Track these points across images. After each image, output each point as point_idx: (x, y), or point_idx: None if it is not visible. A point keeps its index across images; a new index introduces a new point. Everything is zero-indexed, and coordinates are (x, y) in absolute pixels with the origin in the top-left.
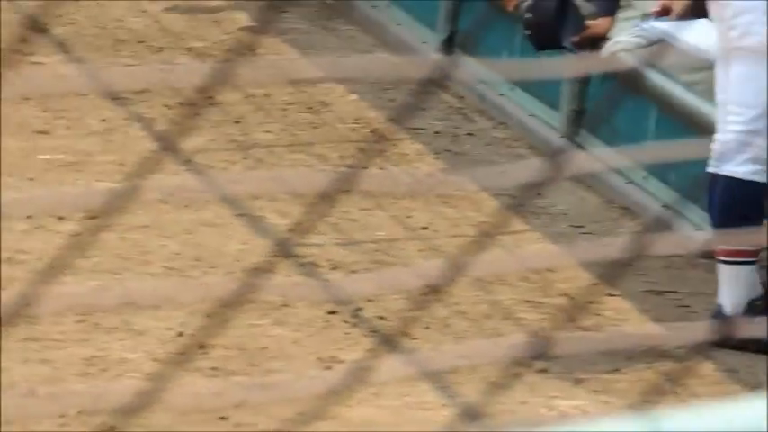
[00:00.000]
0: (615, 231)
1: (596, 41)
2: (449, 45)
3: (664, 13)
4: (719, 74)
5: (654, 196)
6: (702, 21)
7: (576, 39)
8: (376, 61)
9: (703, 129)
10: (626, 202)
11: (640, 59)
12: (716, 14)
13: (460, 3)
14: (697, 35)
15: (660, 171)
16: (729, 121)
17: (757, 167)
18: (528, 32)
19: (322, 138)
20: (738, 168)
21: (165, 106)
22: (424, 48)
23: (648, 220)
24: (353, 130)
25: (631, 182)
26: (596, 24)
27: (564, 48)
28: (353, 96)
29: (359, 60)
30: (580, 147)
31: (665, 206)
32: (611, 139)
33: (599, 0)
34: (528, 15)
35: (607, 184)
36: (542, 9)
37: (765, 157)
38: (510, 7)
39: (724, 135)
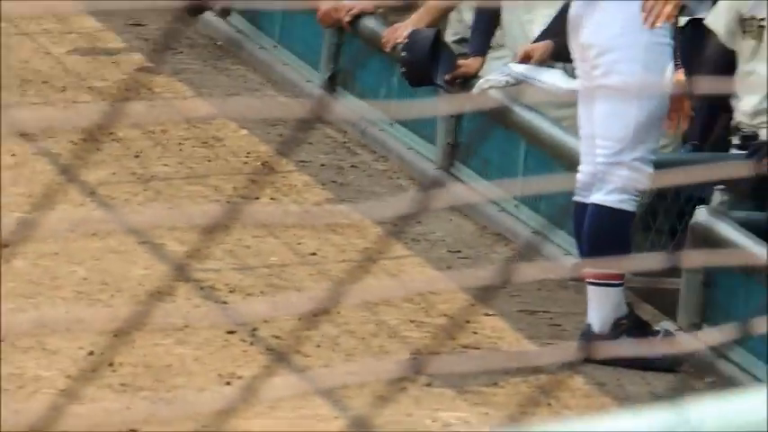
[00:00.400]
0: (489, 256)
1: (467, 79)
2: (331, 83)
3: (525, 58)
4: (582, 110)
5: (525, 223)
6: (557, 66)
7: (448, 77)
8: (264, 99)
9: (569, 160)
10: (499, 229)
11: (509, 97)
12: (579, 55)
13: (341, 44)
14: (551, 77)
15: (531, 200)
16: (598, 154)
17: (624, 196)
18: (404, 70)
19: (216, 170)
20: (607, 197)
21: (70, 142)
22: (308, 86)
23: (520, 246)
24: (245, 162)
25: (504, 210)
26: (467, 64)
27: (437, 85)
28: (244, 131)
29: (248, 98)
30: (455, 178)
31: (536, 232)
32: (484, 171)
33: (470, 41)
34: (403, 54)
35: (481, 212)
36: (417, 49)
37: (632, 186)
38: (388, 47)
39: (592, 167)
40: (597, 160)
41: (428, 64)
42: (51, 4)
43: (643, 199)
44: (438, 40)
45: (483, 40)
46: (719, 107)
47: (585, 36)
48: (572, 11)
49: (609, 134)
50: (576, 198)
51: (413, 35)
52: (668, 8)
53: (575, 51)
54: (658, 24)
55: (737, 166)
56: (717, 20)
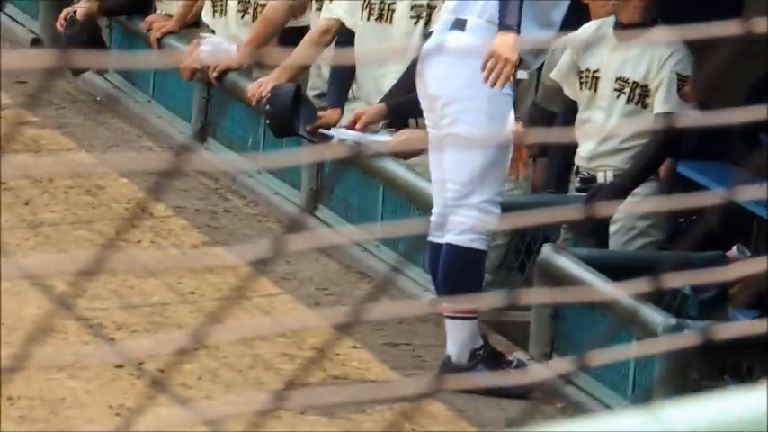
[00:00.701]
0: (354, 293)
1: (327, 129)
2: (202, 134)
3: (353, 122)
4: (432, 157)
5: (385, 262)
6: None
7: (309, 127)
8: (141, 150)
9: (423, 203)
10: (362, 267)
11: (364, 146)
12: (427, 105)
13: (209, 98)
14: (376, 139)
15: (390, 240)
16: (449, 197)
17: (475, 236)
18: (268, 122)
19: (100, 216)
20: (459, 237)
21: None
22: (181, 137)
23: (381, 282)
24: (126, 209)
25: (366, 249)
26: (326, 115)
27: (300, 135)
28: (124, 180)
29: (127, 150)
30: (320, 220)
31: (395, 269)
32: (346, 213)
33: (327, 94)
34: (267, 108)
35: (345, 252)
36: (279, 102)
37: (481, 226)
38: (253, 101)
39: (444, 209)
40: (448, 203)
41: (290, 116)
42: None
43: (497, 240)
44: (299, 93)
45: (340, 93)
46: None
47: (432, 89)
48: (419, 66)
49: (457, 179)
50: (431, 238)
51: (275, 90)
52: (507, 70)
53: (423, 102)
54: (499, 86)
55: (576, 209)
56: (559, 73)
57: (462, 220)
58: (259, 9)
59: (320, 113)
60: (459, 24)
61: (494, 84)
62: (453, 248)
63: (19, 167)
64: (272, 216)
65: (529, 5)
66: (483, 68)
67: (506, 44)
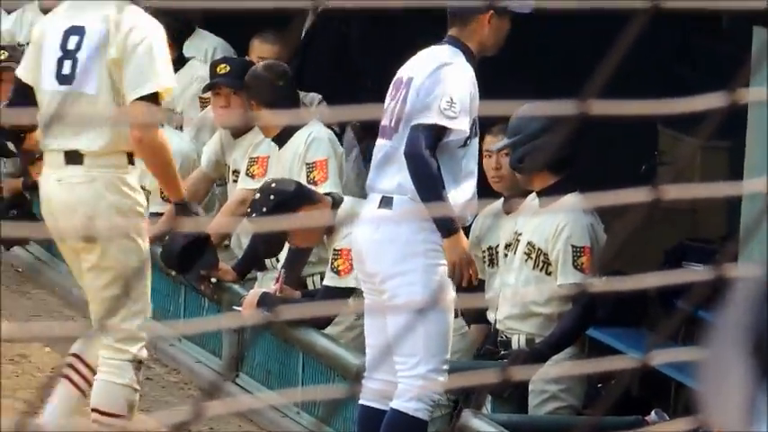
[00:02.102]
0: None
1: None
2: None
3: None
4: (370, 322)
5: (305, 427)
6: None
7: (204, 272)
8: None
9: (342, 369)
10: None
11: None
12: (366, 280)
13: None
14: None
15: (309, 405)
16: (397, 369)
17: (420, 405)
18: (160, 252)
19: (24, 384)
20: (406, 404)
21: None
22: None
23: None
24: (50, 377)
25: (286, 415)
26: (226, 270)
27: (187, 275)
28: (47, 349)
29: (49, 319)
30: (240, 387)
31: None
32: (266, 380)
33: (238, 259)
34: (166, 238)
35: (266, 417)
36: (179, 237)
37: (426, 395)
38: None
39: (385, 375)
40: (397, 374)
41: (186, 253)
42: None
43: (442, 411)
44: (206, 241)
45: (248, 264)
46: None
47: (369, 266)
48: (355, 245)
49: (402, 350)
50: (365, 403)
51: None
52: (471, 266)
53: (362, 277)
54: (464, 284)
55: (493, 373)
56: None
57: (407, 388)
58: None
59: (221, 266)
60: (386, 202)
61: (469, 282)
62: (398, 414)
63: None
64: (193, 383)
65: (444, 165)
66: (450, 276)
67: (456, 249)
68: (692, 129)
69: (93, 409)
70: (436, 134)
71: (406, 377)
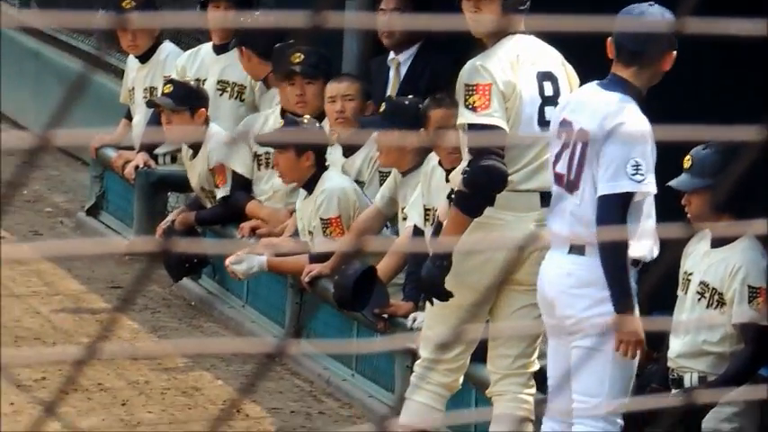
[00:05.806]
0: None
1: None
2: (296, 338)
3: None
4: (553, 363)
5: None
6: None
7: (377, 311)
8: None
9: None
10: None
11: None
12: (554, 324)
13: (302, 303)
14: None
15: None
16: (575, 407)
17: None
18: (333, 292)
19: (196, 417)
20: None
21: (62, 392)
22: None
23: None
24: (222, 410)
25: None
26: (399, 305)
27: (362, 313)
28: (220, 382)
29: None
30: None
31: None
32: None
33: (404, 287)
34: (336, 277)
35: None
36: (348, 274)
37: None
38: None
39: (565, 415)
40: (574, 412)
41: (356, 291)
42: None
43: None
44: (373, 274)
45: (415, 290)
46: None
47: (560, 310)
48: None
49: (585, 390)
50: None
51: (349, 265)
52: (640, 347)
53: (548, 319)
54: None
55: (676, 398)
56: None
57: (587, 430)
58: None
59: (393, 302)
60: (578, 249)
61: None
62: None
63: (116, 367)
64: (365, 418)
65: (630, 216)
66: (617, 349)
67: (626, 327)
68: None
69: None
70: (625, 201)
71: (584, 417)
